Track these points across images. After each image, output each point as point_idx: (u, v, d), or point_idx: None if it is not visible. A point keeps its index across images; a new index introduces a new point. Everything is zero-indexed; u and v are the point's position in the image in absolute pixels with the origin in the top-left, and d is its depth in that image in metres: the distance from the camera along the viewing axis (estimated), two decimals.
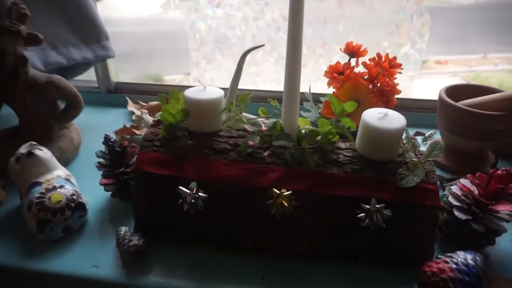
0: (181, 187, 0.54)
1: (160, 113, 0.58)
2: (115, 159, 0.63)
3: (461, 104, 0.72)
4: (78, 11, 0.81)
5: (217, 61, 0.99)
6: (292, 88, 0.53)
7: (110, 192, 0.66)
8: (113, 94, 1.03)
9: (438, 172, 0.76)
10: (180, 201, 0.54)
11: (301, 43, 0.51)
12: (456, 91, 0.77)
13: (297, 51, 0.51)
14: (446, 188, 0.60)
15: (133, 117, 0.88)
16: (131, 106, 0.97)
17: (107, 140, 0.62)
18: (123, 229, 0.57)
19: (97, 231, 0.61)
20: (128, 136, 0.84)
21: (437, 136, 0.87)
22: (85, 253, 0.57)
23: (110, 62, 1.00)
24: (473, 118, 0.68)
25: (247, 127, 0.56)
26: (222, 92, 0.58)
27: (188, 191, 0.53)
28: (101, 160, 0.64)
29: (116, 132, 0.83)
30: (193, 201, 0.53)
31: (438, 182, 0.70)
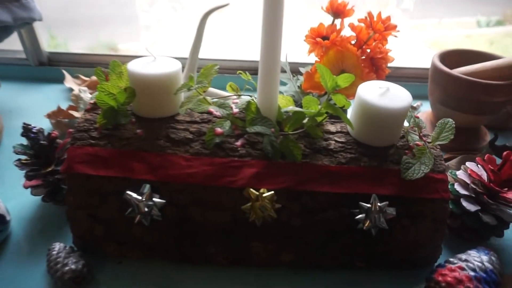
0: (129, 192, 0.41)
1: (96, 93, 0.43)
2: (40, 155, 0.48)
3: (457, 72, 0.63)
4: None
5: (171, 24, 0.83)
6: (270, 57, 0.41)
7: (40, 196, 0.52)
8: (46, 67, 0.85)
9: None
10: (130, 210, 0.41)
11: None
12: (449, 58, 0.68)
13: (278, 5, 0.38)
14: (449, 173, 0.51)
15: (71, 96, 0.72)
16: (69, 82, 0.80)
17: (27, 130, 0.47)
18: (57, 246, 0.44)
19: (23, 249, 0.47)
20: (65, 120, 0.68)
21: (424, 109, 0.78)
22: (5, 281, 0.44)
23: (54, 30, 0.80)
24: (473, 89, 0.59)
25: (213, 109, 0.43)
26: (179, 64, 0.45)
27: (139, 197, 0.41)
28: (22, 156, 0.49)
29: (49, 116, 0.67)
30: (146, 209, 0.41)
31: None
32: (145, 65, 0.43)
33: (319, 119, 0.45)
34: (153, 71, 0.42)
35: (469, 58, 0.67)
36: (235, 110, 0.44)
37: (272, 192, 0.41)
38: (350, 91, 0.51)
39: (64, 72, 0.81)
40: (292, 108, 0.44)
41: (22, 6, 0.69)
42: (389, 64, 0.84)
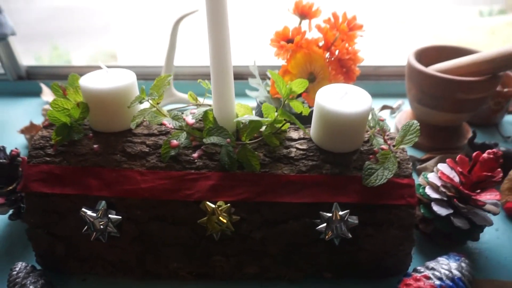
0: (84, 209, 0.40)
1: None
2: (1, 173, 0.48)
3: (433, 69, 0.61)
4: None
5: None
6: (220, 62, 0.39)
7: (7, 215, 0.51)
8: (25, 81, 0.85)
9: (409, 150, 0.66)
10: (85, 227, 0.41)
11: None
12: (427, 55, 0.66)
13: (222, 8, 0.36)
14: (421, 175, 0.50)
15: (42, 110, 0.71)
16: (46, 95, 0.79)
17: None
18: (18, 266, 0.43)
19: None
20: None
21: (407, 107, 0.76)
22: None
23: (59, 40, 0.80)
24: (448, 87, 0.58)
25: (166, 122, 0.42)
26: (132, 77, 0.44)
27: (94, 215, 0.40)
28: None
29: (22, 131, 0.67)
30: (101, 226, 0.40)
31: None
32: (97, 79, 0.42)
33: (278, 126, 0.44)
34: (105, 85, 0.42)
35: (447, 54, 0.65)
36: (191, 121, 0.43)
37: (228, 204, 0.40)
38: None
39: (42, 85, 0.81)
40: (248, 116, 0.42)
41: None
42: (369, 64, 0.83)
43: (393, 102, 0.78)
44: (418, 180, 0.50)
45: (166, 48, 0.72)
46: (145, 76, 0.83)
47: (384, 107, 0.75)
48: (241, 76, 0.78)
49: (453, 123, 0.64)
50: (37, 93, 0.82)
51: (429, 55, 0.66)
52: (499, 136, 0.70)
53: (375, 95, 0.80)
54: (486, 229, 0.51)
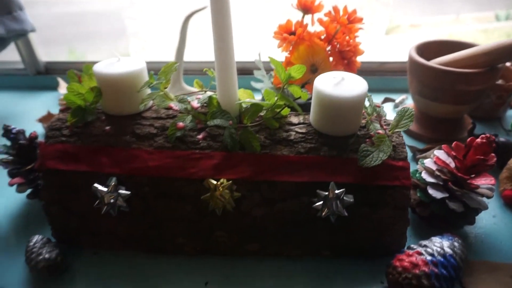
0: (95, 185, 0.43)
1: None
2: (21, 154, 0.51)
3: (433, 62, 0.63)
4: None
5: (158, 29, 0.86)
6: (223, 51, 0.42)
7: (26, 194, 0.55)
8: (43, 76, 0.89)
9: (411, 142, 0.68)
10: (97, 202, 0.44)
11: None
12: (428, 49, 0.67)
13: (225, 4, 0.39)
14: (419, 162, 0.51)
15: (59, 100, 0.75)
16: (63, 88, 0.84)
17: (7, 131, 0.50)
18: (35, 238, 0.47)
19: (6, 243, 0.50)
20: None
21: (410, 102, 0.78)
22: None
23: (75, 44, 0.85)
24: (447, 78, 0.59)
25: (173, 105, 0.45)
26: (142, 64, 0.47)
27: (105, 189, 0.43)
28: (5, 156, 0.52)
29: (40, 120, 0.71)
30: (112, 200, 0.43)
31: (411, 154, 0.62)
32: (109, 66, 0.46)
33: (283, 112, 0.46)
34: (117, 70, 0.45)
35: (448, 49, 0.66)
36: (196, 105, 0.46)
37: (230, 181, 0.42)
38: None
39: (59, 79, 0.85)
40: (249, 100, 0.45)
41: (14, 19, 0.73)
42: (374, 60, 0.85)
43: (397, 97, 0.80)
44: (417, 167, 0.52)
45: (176, 43, 0.76)
46: (157, 71, 0.86)
47: (386, 100, 0.76)
48: (247, 71, 0.81)
49: (453, 115, 0.65)
50: (54, 87, 0.86)
51: (430, 49, 0.68)
52: (501, 130, 0.70)
53: (380, 90, 0.83)
54: (483, 215, 0.52)
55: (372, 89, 0.80)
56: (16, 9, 0.73)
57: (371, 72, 0.84)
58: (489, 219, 0.52)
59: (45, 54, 0.90)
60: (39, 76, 0.89)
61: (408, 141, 0.68)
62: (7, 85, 0.87)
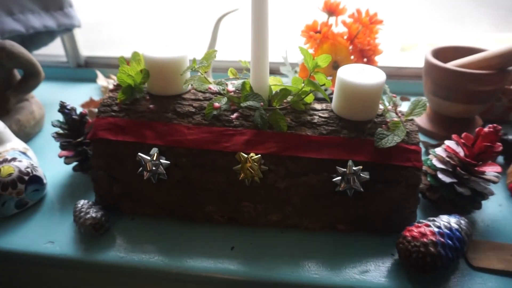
0: (140, 154, 0.49)
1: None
2: (73, 128, 0.58)
3: (449, 65, 0.68)
4: None
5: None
6: (260, 42, 0.48)
7: (71, 167, 0.61)
8: (83, 69, 0.97)
9: (424, 138, 0.72)
10: (140, 169, 0.49)
11: None
12: (443, 53, 0.72)
13: (264, 6, 0.45)
14: (430, 151, 0.56)
15: (101, 89, 0.82)
16: (101, 80, 0.91)
17: (63, 107, 0.57)
18: (81, 202, 0.53)
19: (56, 206, 0.56)
20: (95, 110, 0.78)
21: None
22: (40, 229, 0.53)
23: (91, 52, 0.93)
24: (460, 78, 0.64)
25: (211, 86, 0.51)
26: (186, 50, 0.53)
27: (148, 158, 0.49)
28: (58, 129, 0.59)
29: (83, 105, 0.78)
30: (153, 168, 0.49)
31: (423, 149, 0.66)
32: (157, 51, 0.52)
33: (307, 99, 0.52)
34: (163, 55, 0.51)
35: (462, 53, 0.71)
36: (231, 88, 0.52)
37: (259, 155, 0.48)
38: None
39: (98, 72, 0.93)
40: (279, 85, 0.51)
41: (64, 14, 0.81)
42: (392, 64, 0.90)
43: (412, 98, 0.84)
44: (429, 156, 0.56)
45: (208, 42, 0.82)
46: None
47: (402, 99, 0.81)
48: (272, 71, 0.87)
49: (465, 114, 0.69)
50: (93, 79, 0.94)
51: (445, 54, 0.72)
52: None
53: (396, 92, 0.88)
54: (490, 204, 0.56)
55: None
56: (67, 5, 0.81)
57: (388, 76, 0.88)
58: (495, 207, 0.56)
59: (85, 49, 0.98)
60: (79, 69, 0.97)
61: (422, 138, 0.72)
62: (52, 76, 0.95)
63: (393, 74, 0.90)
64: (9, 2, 0.74)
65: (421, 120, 0.75)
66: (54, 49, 0.95)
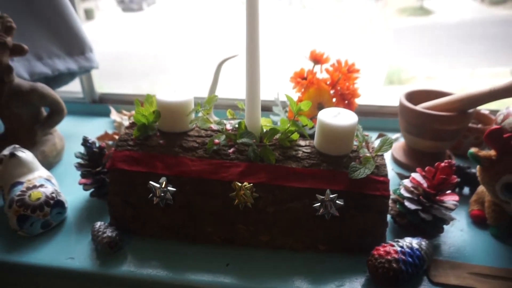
0: (151, 182, 0.58)
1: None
2: (92, 159, 0.67)
3: (420, 107, 0.78)
4: (63, 24, 0.86)
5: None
6: (253, 89, 0.58)
7: (89, 193, 0.70)
8: (97, 104, 1.08)
9: (400, 170, 0.81)
10: (151, 195, 0.58)
11: (258, 44, 0.56)
12: (415, 96, 0.83)
13: (255, 52, 0.56)
14: (400, 182, 0.65)
15: (115, 124, 0.93)
16: (114, 115, 1.01)
17: (85, 141, 0.67)
18: (98, 223, 0.61)
19: (75, 227, 0.65)
20: (110, 142, 0.88)
21: (403, 140, 0.92)
22: (62, 246, 0.61)
23: (101, 81, 1.05)
24: (428, 119, 0.74)
25: (213, 126, 0.60)
26: (191, 95, 0.63)
27: (158, 185, 0.58)
28: (80, 160, 0.68)
29: (98, 138, 0.88)
30: (162, 194, 0.58)
31: (398, 180, 0.75)
32: (167, 95, 0.62)
33: (293, 136, 0.61)
34: (173, 99, 0.61)
35: (432, 96, 0.81)
36: (229, 127, 0.61)
37: (251, 184, 0.57)
38: None
39: (111, 107, 1.04)
40: (269, 125, 0.60)
41: (85, 58, 0.93)
42: (374, 103, 1.00)
43: (392, 135, 0.94)
44: (398, 186, 0.65)
45: (210, 83, 0.93)
46: None
47: (380, 135, 0.90)
48: (266, 108, 0.97)
49: (435, 149, 0.78)
50: (107, 113, 1.04)
51: (419, 96, 0.83)
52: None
53: (378, 129, 0.98)
54: (453, 229, 0.64)
55: (372, 128, 0.95)
56: (88, 51, 0.93)
57: (371, 113, 0.99)
58: (457, 232, 0.64)
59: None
60: (94, 104, 1.08)
61: (398, 169, 0.81)
62: (69, 110, 1.05)
63: (376, 112, 1.00)
64: (39, 48, 0.85)
65: (398, 153, 0.84)
66: (72, 86, 1.06)
